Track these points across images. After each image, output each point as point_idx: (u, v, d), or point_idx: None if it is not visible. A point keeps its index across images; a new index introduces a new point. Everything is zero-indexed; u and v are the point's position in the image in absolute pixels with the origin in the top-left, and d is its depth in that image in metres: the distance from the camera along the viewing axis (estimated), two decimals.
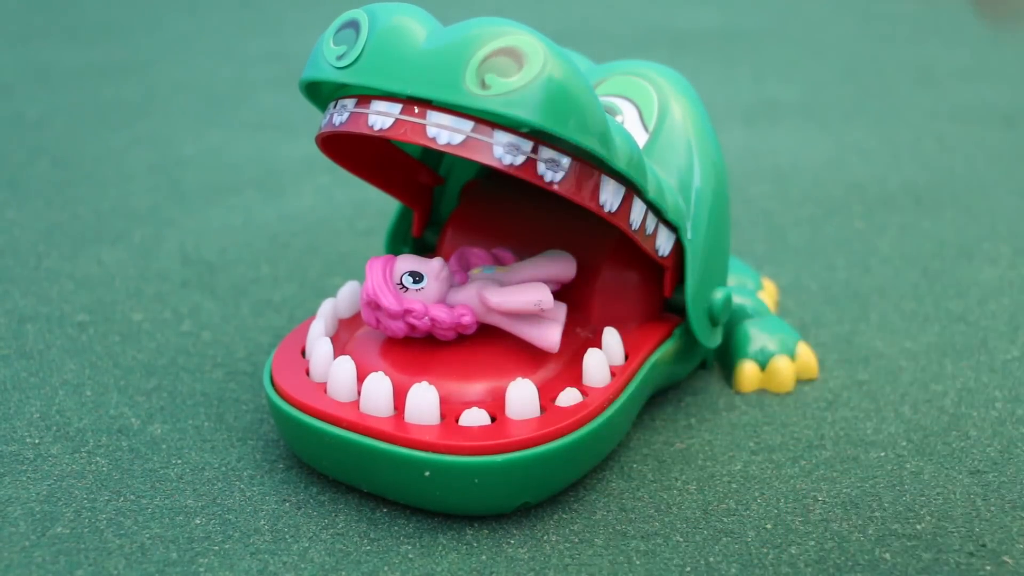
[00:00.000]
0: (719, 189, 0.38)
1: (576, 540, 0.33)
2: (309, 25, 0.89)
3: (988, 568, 0.32)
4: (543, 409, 0.34)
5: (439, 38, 0.31)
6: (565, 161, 0.32)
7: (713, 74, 0.79)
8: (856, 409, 0.40)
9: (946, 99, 0.74)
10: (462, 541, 0.33)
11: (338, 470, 0.34)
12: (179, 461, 0.36)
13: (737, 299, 0.42)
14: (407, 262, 0.35)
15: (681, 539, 0.33)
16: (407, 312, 0.34)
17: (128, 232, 0.53)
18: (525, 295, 0.34)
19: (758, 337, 0.41)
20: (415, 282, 0.35)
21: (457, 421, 0.33)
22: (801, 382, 0.41)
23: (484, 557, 0.32)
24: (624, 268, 0.38)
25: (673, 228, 0.37)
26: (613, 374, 0.35)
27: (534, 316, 0.35)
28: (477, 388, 0.34)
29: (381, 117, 0.33)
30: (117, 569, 0.32)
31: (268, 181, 0.60)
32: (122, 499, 0.34)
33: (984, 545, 0.33)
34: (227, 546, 0.33)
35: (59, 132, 0.67)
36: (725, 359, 0.42)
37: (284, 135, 0.67)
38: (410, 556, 0.32)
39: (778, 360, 0.41)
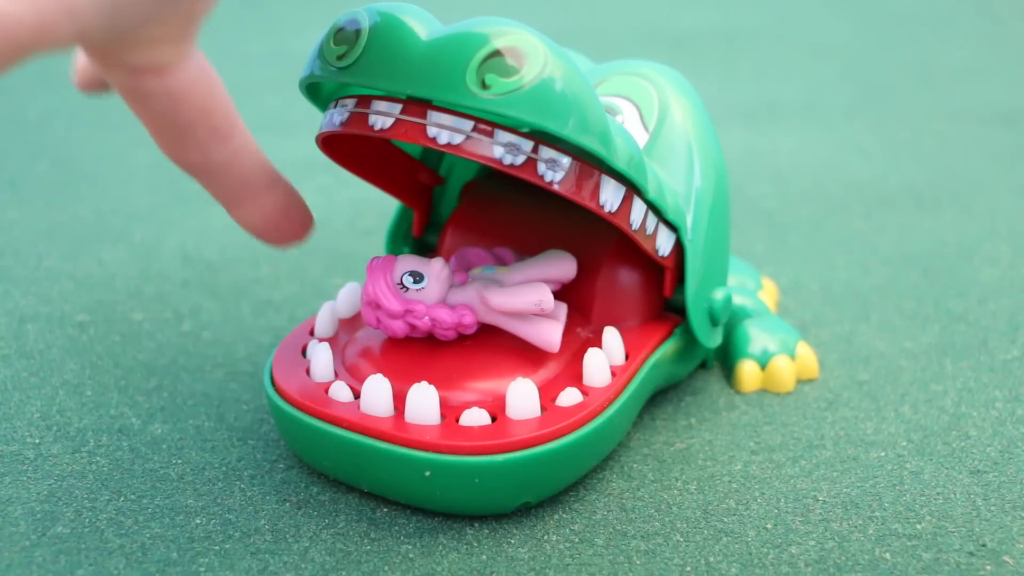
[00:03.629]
0: (719, 189, 0.38)
1: (576, 540, 0.33)
2: (309, 25, 0.89)
3: (988, 568, 0.32)
4: (543, 409, 0.34)
5: (439, 38, 0.31)
6: (565, 161, 0.32)
7: (713, 74, 0.79)
8: (856, 409, 0.40)
9: (946, 99, 0.74)
10: (462, 541, 0.33)
11: (338, 470, 0.34)
12: (179, 461, 0.36)
13: (737, 299, 0.42)
14: (407, 262, 0.35)
15: (681, 539, 0.33)
16: (408, 312, 0.34)
17: (128, 232, 0.53)
18: (526, 295, 0.34)
19: (758, 337, 0.41)
20: (415, 282, 0.35)
21: (457, 421, 0.33)
22: (801, 382, 0.41)
23: (484, 557, 0.32)
24: (624, 268, 0.38)
25: (673, 228, 0.37)
26: (613, 374, 0.35)
27: (534, 316, 0.35)
28: (477, 388, 0.34)
29: (381, 117, 0.33)
30: (117, 569, 0.32)
31: None
32: (122, 499, 0.34)
33: (984, 545, 0.33)
34: (227, 546, 0.33)
35: (59, 132, 0.67)
36: (725, 359, 0.42)
37: (284, 135, 0.67)
38: (411, 556, 0.32)
39: (778, 360, 0.41)
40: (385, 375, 0.34)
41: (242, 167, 0.33)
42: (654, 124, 0.38)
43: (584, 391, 0.34)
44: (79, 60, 0.37)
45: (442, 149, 0.32)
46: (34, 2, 0.24)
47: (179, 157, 0.32)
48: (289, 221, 0.34)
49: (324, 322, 0.37)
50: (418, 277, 0.35)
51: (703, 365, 0.42)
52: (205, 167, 0.32)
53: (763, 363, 0.41)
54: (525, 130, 0.33)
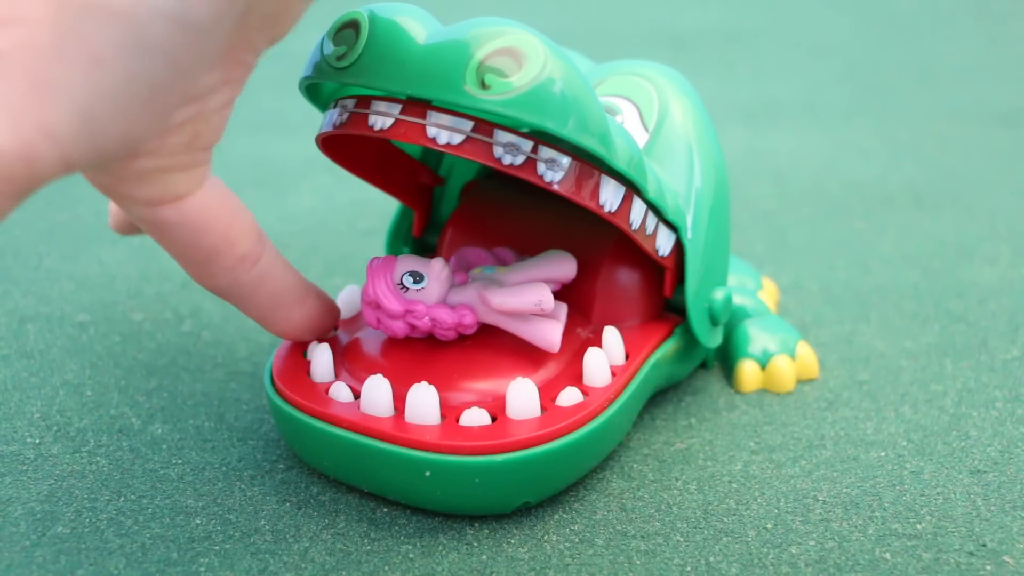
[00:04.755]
0: (719, 189, 0.38)
1: (576, 540, 0.33)
2: (309, 25, 0.89)
3: (988, 568, 0.32)
4: (543, 409, 0.34)
5: (439, 38, 0.31)
6: (565, 161, 0.32)
7: (713, 74, 0.80)
8: (856, 409, 0.40)
9: (946, 99, 0.74)
10: (462, 541, 0.33)
11: (339, 470, 0.34)
12: (180, 461, 0.36)
13: (737, 299, 0.42)
14: (407, 262, 0.35)
15: (681, 539, 0.33)
16: (408, 312, 0.34)
17: None
18: (526, 295, 0.34)
19: (758, 337, 0.41)
20: (416, 282, 0.35)
21: (457, 421, 0.33)
22: (801, 382, 0.41)
23: (484, 557, 0.32)
24: (624, 268, 0.38)
25: (673, 228, 0.37)
26: (614, 374, 0.35)
27: (534, 316, 0.35)
28: (477, 388, 0.34)
29: (381, 117, 0.33)
30: (117, 569, 0.32)
31: (268, 181, 0.60)
32: (123, 499, 0.34)
33: (984, 545, 0.33)
34: (227, 546, 0.33)
35: None
36: (725, 359, 0.42)
37: (284, 135, 0.67)
38: (411, 556, 0.32)
39: (778, 360, 0.41)
40: (385, 375, 0.34)
41: (274, 287, 0.33)
42: (654, 124, 0.38)
43: (584, 391, 0.34)
44: (112, 205, 0.37)
45: (442, 149, 0.32)
46: (14, 127, 0.23)
47: (208, 283, 0.32)
48: (320, 326, 0.36)
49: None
50: (418, 277, 0.35)
51: (703, 365, 0.42)
52: (235, 291, 0.33)
53: (763, 363, 0.41)
54: (525, 130, 0.33)
